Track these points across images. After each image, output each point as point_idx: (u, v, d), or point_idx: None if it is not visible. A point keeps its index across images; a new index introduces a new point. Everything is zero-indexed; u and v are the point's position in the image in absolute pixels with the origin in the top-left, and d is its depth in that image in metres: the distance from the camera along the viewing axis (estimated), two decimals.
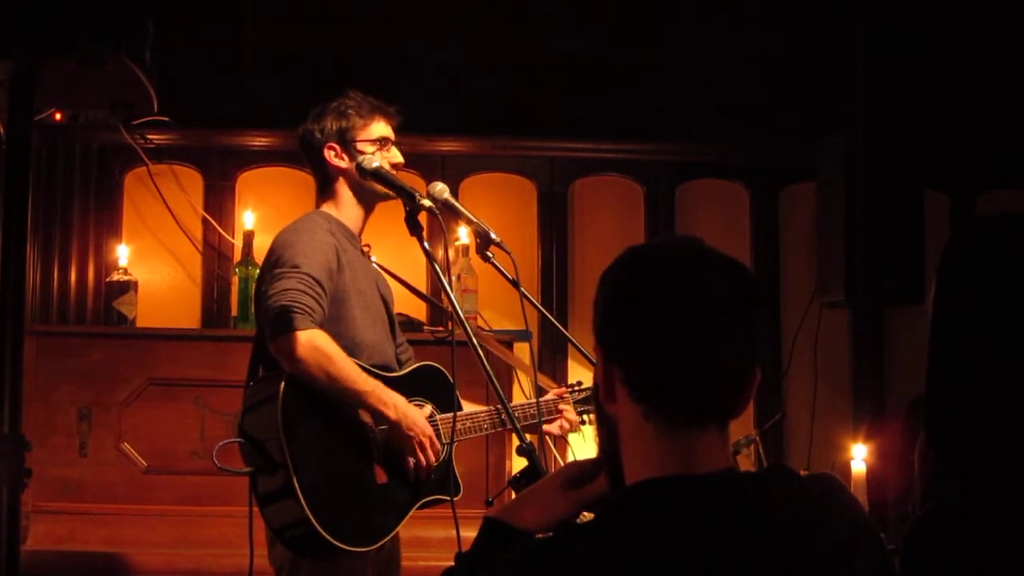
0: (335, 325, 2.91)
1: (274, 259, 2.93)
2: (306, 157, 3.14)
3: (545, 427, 3.12)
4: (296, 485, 2.72)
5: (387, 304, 3.16)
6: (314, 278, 2.86)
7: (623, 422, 1.46)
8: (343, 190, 3.08)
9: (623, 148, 4.75)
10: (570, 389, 3.29)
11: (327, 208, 3.09)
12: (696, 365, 1.41)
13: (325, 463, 2.80)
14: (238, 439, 2.84)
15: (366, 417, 2.89)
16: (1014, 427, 1.50)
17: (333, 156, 3.06)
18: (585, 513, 1.62)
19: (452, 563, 1.61)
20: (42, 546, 3.60)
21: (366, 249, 3.15)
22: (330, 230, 3.00)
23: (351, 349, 2.91)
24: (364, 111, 3.08)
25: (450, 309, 2.71)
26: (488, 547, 1.55)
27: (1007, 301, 1.54)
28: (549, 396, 3.24)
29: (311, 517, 2.71)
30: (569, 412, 3.20)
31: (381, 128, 3.10)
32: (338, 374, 2.81)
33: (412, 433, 2.88)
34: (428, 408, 3.00)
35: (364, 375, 2.87)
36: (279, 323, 2.81)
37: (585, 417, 3.24)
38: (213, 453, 2.76)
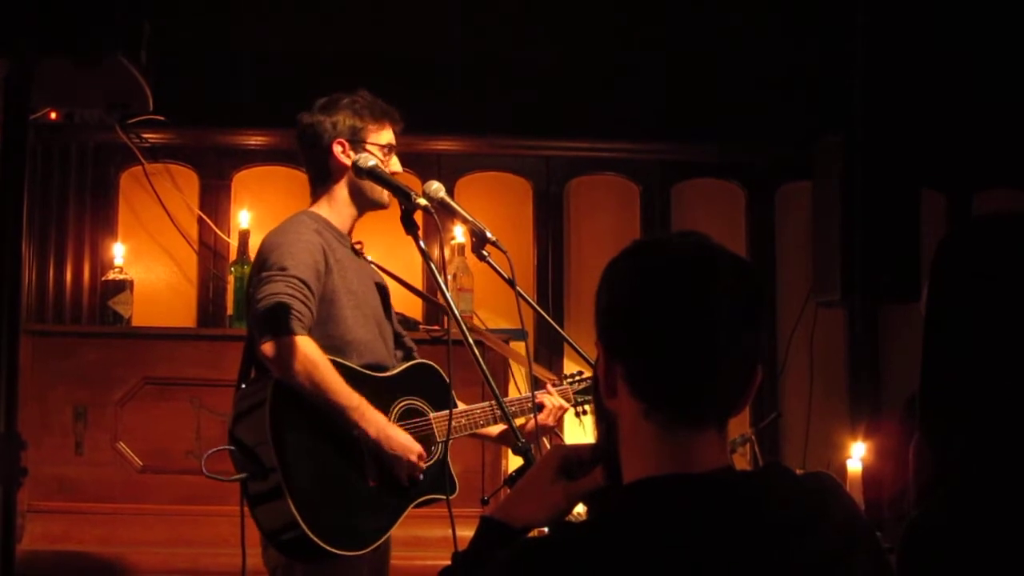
0: (325, 325, 2.90)
1: (261, 262, 2.92)
2: (306, 147, 3.08)
3: (540, 420, 3.10)
4: (286, 490, 2.71)
5: (384, 299, 3.15)
6: (302, 280, 2.85)
7: (623, 418, 1.45)
8: (340, 188, 3.07)
9: (619, 147, 4.75)
10: (570, 379, 3.27)
11: (317, 207, 3.07)
12: (700, 366, 1.40)
13: (315, 467, 2.80)
14: (229, 446, 2.84)
15: None
16: (1008, 427, 1.50)
17: (340, 152, 3.03)
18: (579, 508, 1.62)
19: (449, 563, 1.61)
20: (37, 545, 3.60)
21: (358, 246, 3.13)
22: (317, 230, 2.97)
23: (342, 348, 2.91)
24: (377, 114, 3.07)
25: (446, 308, 2.70)
26: (485, 547, 1.54)
27: (1000, 301, 1.54)
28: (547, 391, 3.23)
29: (301, 522, 2.71)
30: (553, 398, 3.16)
31: (389, 135, 3.09)
32: (323, 383, 2.80)
33: (393, 453, 2.87)
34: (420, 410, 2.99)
35: (349, 389, 2.84)
36: (267, 327, 2.80)
37: (586, 407, 3.22)
38: (202, 461, 2.76)
